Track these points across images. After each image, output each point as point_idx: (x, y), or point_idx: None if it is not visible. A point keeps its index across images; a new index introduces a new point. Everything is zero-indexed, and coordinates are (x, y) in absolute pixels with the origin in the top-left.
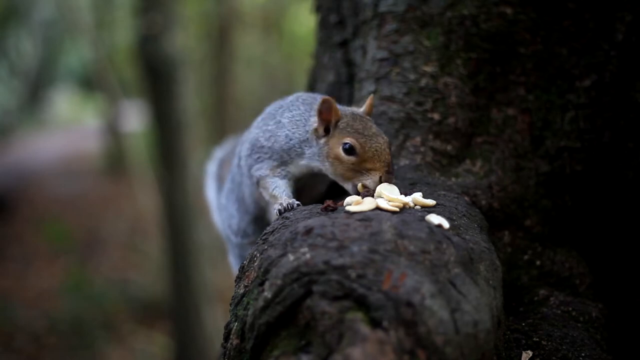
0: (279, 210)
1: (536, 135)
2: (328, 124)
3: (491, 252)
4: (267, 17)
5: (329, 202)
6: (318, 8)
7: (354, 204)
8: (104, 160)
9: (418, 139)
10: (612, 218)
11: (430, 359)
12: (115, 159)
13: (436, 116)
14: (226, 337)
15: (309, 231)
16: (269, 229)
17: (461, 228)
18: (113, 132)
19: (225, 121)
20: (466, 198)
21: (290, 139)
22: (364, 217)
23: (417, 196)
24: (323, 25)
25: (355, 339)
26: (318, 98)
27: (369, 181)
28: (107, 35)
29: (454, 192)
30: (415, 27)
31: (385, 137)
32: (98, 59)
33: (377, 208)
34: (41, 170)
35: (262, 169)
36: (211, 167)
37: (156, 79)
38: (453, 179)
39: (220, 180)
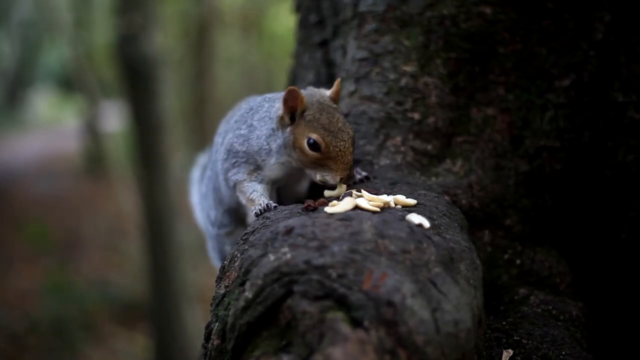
0: (256, 213)
1: (516, 135)
2: (294, 112)
3: (472, 251)
4: (246, 16)
5: (309, 202)
6: (298, 8)
7: (332, 205)
8: (83, 161)
9: (398, 139)
10: (591, 217)
11: (411, 358)
12: (95, 160)
13: (416, 116)
14: (207, 338)
15: (289, 231)
16: (249, 229)
17: (442, 227)
18: (92, 132)
19: (205, 121)
20: (446, 197)
21: (259, 138)
22: (345, 217)
23: (398, 195)
24: (303, 25)
25: (336, 339)
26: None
27: (329, 177)
28: (86, 35)
29: (435, 191)
30: (395, 27)
31: (350, 131)
32: (77, 59)
33: (358, 207)
34: (21, 170)
35: (238, 174)
36: (195, 173)
37: (135, 78)
38: (433, 179)
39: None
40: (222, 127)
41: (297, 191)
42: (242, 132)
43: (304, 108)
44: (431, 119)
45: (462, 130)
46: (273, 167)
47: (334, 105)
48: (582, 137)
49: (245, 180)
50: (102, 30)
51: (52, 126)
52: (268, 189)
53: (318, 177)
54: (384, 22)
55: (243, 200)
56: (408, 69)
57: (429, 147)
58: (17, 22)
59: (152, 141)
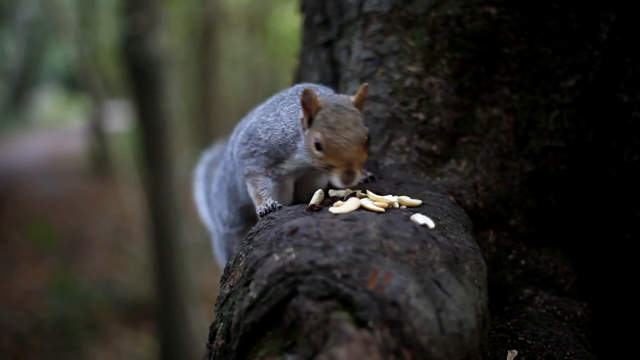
0: (261, 213)
1: (521, 135)
2: (311, 115)
3: (476, 251)
4: (251, 16)
5: (314, 203)
6: (303, 8)
7: (336, 205)
8: (88, 161)
9: (403, 139)
10: (596, 217)
11: (416, 358)
12: (100, 160)
13: (421, 116)
14: (212, 338)
15: (294, 231)
16: (254, 229)
17: (446, 228)
18: (98, 132)
19: (210, 121)
20: (451, 198)
21: (286, 134)
22: (349, 217)
23: (403, 196)
24: (308, 25)
25: (341, 339)
26: (317, 91)
27: (333, 179)
28: (91, 35)
29: (439, 191)
30: (400, 27)
31: (360, 132)
32: (82, 59)
33: (362, 208)
34: (26, 170)
35: (256, 165)
36: (200, 171)
37: (141, 79)
38: (438, 179)
39: (208, 181)
40: (240, 125)
41: (317, 184)
42: (268, 119)
43: (318, 108)
44: (436, 119)
45: (467, 130)
46: (296, 160)
47: (353, 109)
48: (587, 137)
49: (261, 174)
50: (108, 31)
51: (57, 126)
52: (278, 187)
53: (328, 180)
54: (389, 23)
55: (251, 193)
56: (413, 69)
57: (434, 147)
58: (22, 22)
59: (157, 141)
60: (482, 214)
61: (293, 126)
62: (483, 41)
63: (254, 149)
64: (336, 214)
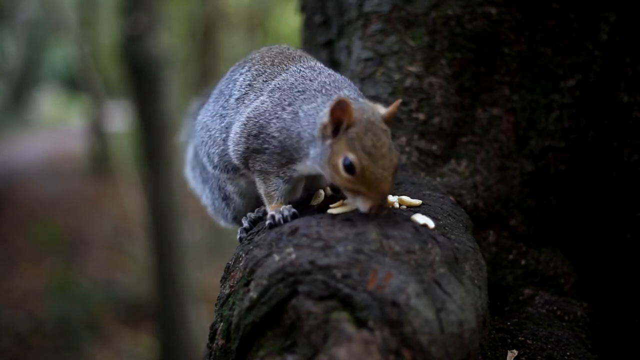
0: (270, 224)
1: (521, 135)
2: (338, 125)
3: (476, 251)
4: (251, 16)
5: (313, 203)
6: (303, 8)
7: (337, 205)
8: (88, 161)
9: (403, 139)
10: (596, 217)
11: (416, 358)
12: (100, 160)
13: (421, 116)
14: (212, 338)
15: (294, 231)
16: (254, 229)
17: (446, 228)
18: (98, 132)
19: None
20: (451, 198)
21: (301, 138)
22: (349, 217)
23: (403, 196)
24: (308, 25)
25: (341, 339)
26: (341, 90)
27: (358, 203)
28: (91, 35)
29: (439, 191)
30: (400, 27)
31: (394, 159)
32: (82, 59)
33: None
34: (26, 170)
35: (268, 164)
36: (189, 154)
37: (141, 79)
38: (438, 179)
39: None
40: (236, 72)
41: (319, 186)
42: (284, 115)
43: (351, 124)
44: (436, 119)
45: (467, 130)
46: (308, 165)
47: (385, 128)
48: (587, 137)
49: (272, 173)
50: (108, 31)
51: (57, 126)
52: (290, 188)
53: (348, 200)
54: (389, 23)
55: (262, 191)
56: (413, 69)
57: (434, 147)
58: (22, 22)
59: (157, 141)
60: (482, 214)
61: (309, 130)
62: (483, 41)
63: (265, 145)
64: (336, 214)
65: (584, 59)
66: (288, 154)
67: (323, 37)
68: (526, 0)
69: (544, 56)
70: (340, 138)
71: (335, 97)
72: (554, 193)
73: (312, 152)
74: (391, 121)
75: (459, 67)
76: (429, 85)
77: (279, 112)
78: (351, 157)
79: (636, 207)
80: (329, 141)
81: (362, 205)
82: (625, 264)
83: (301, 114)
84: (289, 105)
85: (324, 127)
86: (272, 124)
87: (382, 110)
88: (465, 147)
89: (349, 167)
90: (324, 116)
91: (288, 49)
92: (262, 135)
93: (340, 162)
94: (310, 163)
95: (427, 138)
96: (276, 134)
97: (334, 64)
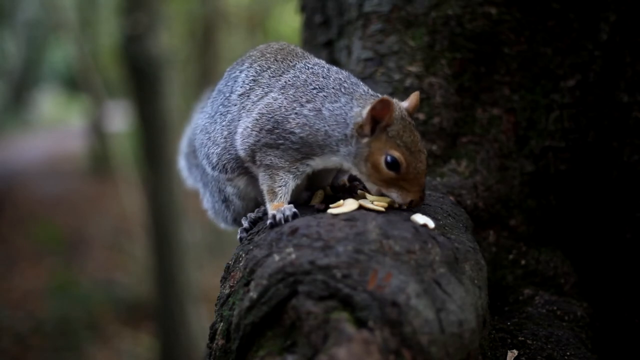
0: (271, 224)
1: (521, 135)
2: (376, 125)
3: (476, 251)
4: (252, 17)
5: (314, 203)
6: (303, 8)
7: (336, 205)
8: (88, 161)
9: None
10: (596, 217)
11: (416, 358)
12: (100, 160)
13: (421, 116)
14: (212, 338)
15: (294, 231)
16: (254, 229)
17: (446, 228)
18: (98, 132)
19: None
20: (451, 198)
21: (329, 136)
22: (349, 217)
23: None
24: (308, 25)
25: (341, 339)
26: (358, 88)
27: (397, 197)
28: (91, 35)
29: (439, 191)
30: (400, 27)
31: (426, 152)
32: (82, 59)
33: (362, 208)
34: (26, 170)
35: (280, 159)
36: (183, 144)
37: (141, 79)
38: (438, 179)
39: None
40: (235, 70)
41: (325, 183)
42: (304, 111)
43: (391, 123)
44: (436, 119)
45: (467, 130)
46: (331, 160)
47: (413, 122)
48: (587, 137)
49: (283, 168)
50: (108, 30)
51: (57, 126)
52: (299, 184)
53: (384, 194)
54: (389, 23)
55: (265, 186)
56: (413, 69)
57: (434, 147)
58: (22, 22)
59: (158, 141)
60: (482, 214)
61: (340, 129)
62: (483, 41)
63: (280, 141)
64: (336, 214)
65: (584, 59)
66: (308, 150)
67: (323, 37)
68: (526, 0)
69: (544, 56)
70: (378, 136)
71: (357, 95)
72: (554, 193)
73: (343, 150)
74: (413, 114)
75: (459, 67)
76: (429, 85)
77: (298, 109)
78: (396, 154)
79: (636, 207)
80: (365, 140)
81: (400, 198)
82: (625, 264)
83: (325, 112)
84: (308, 102)
85: (361, 126)
86: (290, 120)
87: (404, 104)
88: (465, 147)
89: (393, 164)
90: (358, 116)
91: (288, 46)
92: (277, 131)
93: (382, 160)
94: (338, 159)
95: (427, 138)
96: (297, 130)
97: (334, 64)
